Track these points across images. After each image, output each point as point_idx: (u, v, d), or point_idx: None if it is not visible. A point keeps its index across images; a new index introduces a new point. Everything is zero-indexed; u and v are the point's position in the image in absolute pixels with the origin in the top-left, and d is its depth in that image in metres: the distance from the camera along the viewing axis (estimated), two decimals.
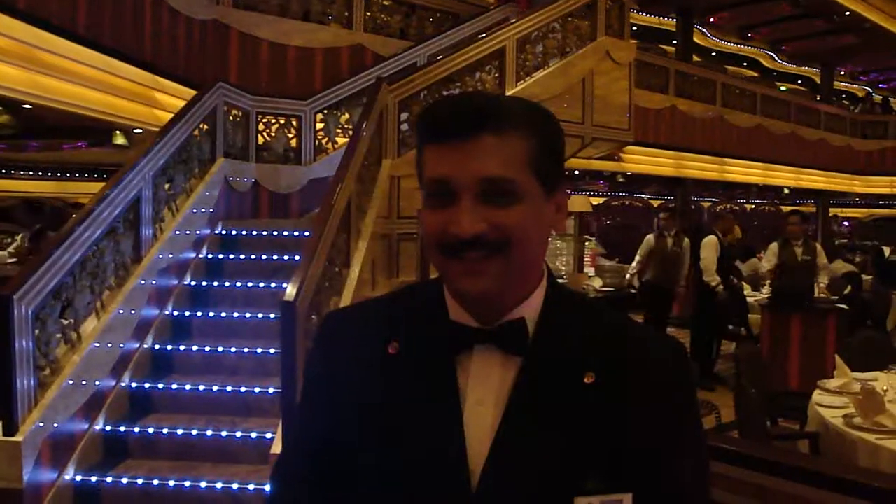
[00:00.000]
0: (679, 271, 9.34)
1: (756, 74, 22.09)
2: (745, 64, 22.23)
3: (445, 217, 1.03)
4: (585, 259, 8.65)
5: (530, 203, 1.05)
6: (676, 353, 1.16)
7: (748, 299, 9.91)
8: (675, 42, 16.35)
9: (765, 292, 9.68)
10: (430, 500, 1.05)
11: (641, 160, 13.93)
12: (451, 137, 1.03)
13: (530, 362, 1.08)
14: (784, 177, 17.65)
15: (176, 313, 5.87)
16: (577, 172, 14.43)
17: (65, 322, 4.66)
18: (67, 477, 4.50)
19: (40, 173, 14.53)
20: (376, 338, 1.14)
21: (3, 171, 14.17)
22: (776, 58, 21.97)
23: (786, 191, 19.36)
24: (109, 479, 4.58)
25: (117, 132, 8.07)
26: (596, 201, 15.28)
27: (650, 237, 9.39)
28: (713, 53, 20.82)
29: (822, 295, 8.41)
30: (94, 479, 4.58)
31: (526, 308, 1.10)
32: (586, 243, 9.00)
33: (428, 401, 1.08)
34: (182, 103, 6.69)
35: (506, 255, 1.03)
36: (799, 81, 24.23)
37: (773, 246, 9.10)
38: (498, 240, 1.02)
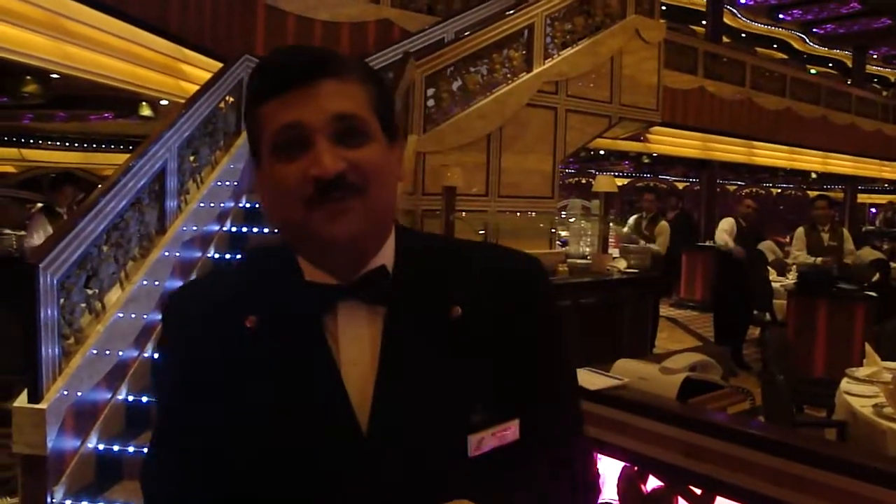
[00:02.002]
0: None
1: (786, 57, 21.74)
2: (775, 46, 21.86)
3: (302, 165, 1.00)
4: (609, 240, 8.51)
5: (380, 146, 1.05)
6: (530, 266, 1.15)
7: (773, 284, 9.78)
8: (704, 22, 16.11)
9: (790, 277, 9.55)
10: (325, 467, 1.01)
11: (668, 141, 13.79)
12: (293, 85, 1.01)
13: (394, 309, 1.06)
14: (811, 161, 17.42)
15: None
16: (602, 152, 14.31)
17: (89, 292, 4.68)
18: (90, 445, 4.53)
19: (67, 144, 14.60)
20: (230, 313, 1.08)
21: (31, 141, 14.26)
22: (807, 40, 21.58)
23: (813, 175, 19.11)
24: (131, 449, 4.61)
25: (143, 103, 8.07)
26: (620, 182, 15.14)
27: (801, 230, 8.99)
28: (742, 35, 20.49)
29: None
30: (116, 448, 4.61)
31: (382, 257, 1.09)
32: (611, 224, 8.86)
33: (301, 370, 1.04)
34: (208, 76, 6.67)
35: (364, 196, 1.01)
36: (830, 65, 23.80)
37: (800, 231, 8.96)
38: (357, 180, 1.01)
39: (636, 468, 2.35)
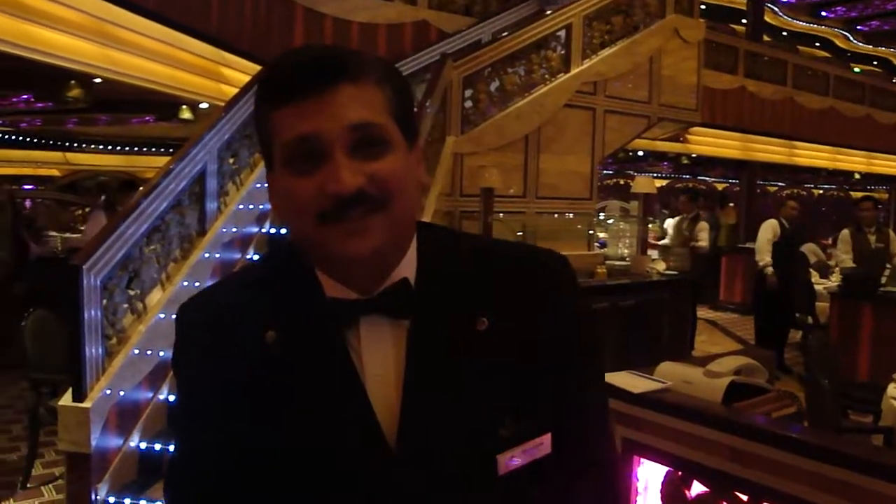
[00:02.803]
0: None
1: (829, 55, 21.39)
2: (817, 44, 21.53)
3: (318, 179, 0.94)
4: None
5: (399, 153, 0.98)
6: (555, 266, 1.10)
7: (815, 287, 9.62)
8: (744, 21, 15.91)
9: (833, 280, 9.38)
10: (352, 485, 0.98)
11: (707, 142, 13.63)
12: (307, 93, 0.94)
13: (419, 322, 1.01)
14: (855, 161, 17.10)
15: None
16: (640, 153, 14.20)
17: (131, 293, 4.74)
18: (132, 444, 4.58)
19: (110, 147, 14.85)
20: (247, 327, 1.03)
21: (76, 144, 14.52)
22: (851, 38, 21.23)
23: (856, 176, 18.77)
24: (172, 448, 4.64)
25: (184, 107, 8.18)
26: (659, 183, 15.00)
27: (846, 232, 8.82)
28: (784, 33, 20.21)
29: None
30: (157, 447, 4.65)
31: (405, 267, 1.03)
32: (649, 226, 8.79)
33: (324, 387, 0.99)
34: (247, 78, 6.73)
35: (388, 210, 0.95)
36: (875, 63, 23.39)
37: (845, 233, 8.79)
38: (378, 194, 0.94)
39: (680, 473, 2.31)
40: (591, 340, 1.14)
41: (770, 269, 8.60)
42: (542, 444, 1.01)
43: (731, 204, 14.66)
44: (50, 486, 4.94)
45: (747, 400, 2.39)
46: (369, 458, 0.98)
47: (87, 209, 12.38)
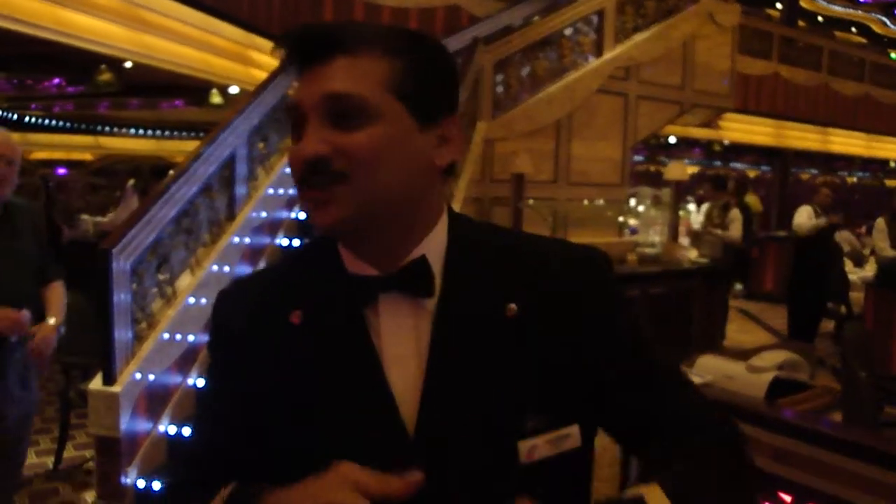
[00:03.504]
0: None
1: (865, 41, 20.99)
2: (853, 29, 21.15)
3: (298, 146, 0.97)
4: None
5: (389, 127, 0.95)
6: (594, 258, 1.07)
7: (849, 276, 9.46)
8: (779, 6, 15.64)
9: (867, 269, 9.22)
10: (370, 466, 0.94)
11: (740, 128, 13.45)
12: (306, 64, 0.98)
13: (444, 304, 1.00)
14: (890, 149, 16.82)
15: None
16: (672, 140, 14.03)
17: (161, 277, 4.74)
18: (161, 428, 4.60)
19: (141, 132, 14.94)
20: (277, 309, 1.04)
21: (107, 129, 14.62)
22: (888, 23, 20.80)
23: (892, 164, 18.44)
24: (192, 426, 4.65)
25: (213, 91, 8.17)
26: (690, 170, 14.83)
27: (881, 221, 8.61)
28: (819, 18, 19.86)
29: None
30: (186, 431, 4.67)
31: (427, 246, 1.02)
32: (681, 212, 8.68)
33: (344, 367, 0.99)
34: (277, 63, 6.69)
35: (351, 183, 0.94)
36: None
37: (880, 222, 8.62)
38: (341, 167, 0.94)
39: None
40: (631, 324, 1.08)
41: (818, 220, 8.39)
42: (570, 437, 0.99)
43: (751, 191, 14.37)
44: (81, 468, 4.98)
45: (790, 396, 2.33)
46: (387, 444, 0.96)
47: (119, 193, 12.48)
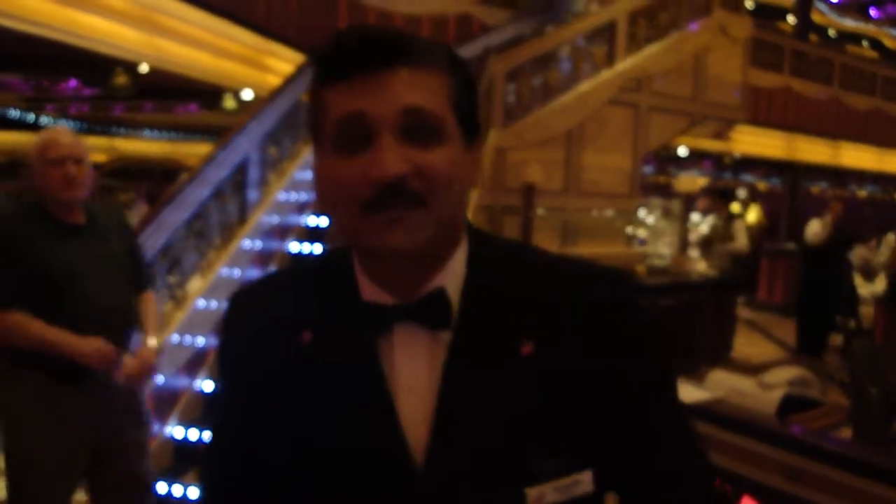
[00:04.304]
0: None
1: (876, 55, 20.95)
2: (865, 43, 21.11)
3: (361, 164, 0.88)
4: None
5: (453, 148, 0.91)
6: (618, 290, 1.01)
7: (859, 290, 9.42)
8: (791, 19, 15.63)
9: (878, 284, 9.19)
10: (375, 501, 0.94)
11: (750, 141, 13.42)
12: (362, 70, 0.89)
13: (459, 339, 0.95)
14: None
15: None
16: (681, 151, 14.03)
17: (171, 280, 4.77)
18: (169, 430, 4.61)
19: (154, 134, 15.00)
20: (288, 325, 1.00)
21: (122, 131, 14.69)
22: None
23: None
24: (207, 437, 4.66)
25: (227, 95, 8.21)
26: (700, 182, 14.81)
27: (892, 236, 8.56)
28: (830, 32, 19.85)
29: None
30: (193, 434, 4.68)
31: (446, 275, 0.97)
32: (689, 225, 8.69)
33: (353, 395, 0.95)
34: (291, 68, 6.74)
35: (430, 206, 0.89)
36: None
37: (891, 237, 8.63)
38: (420, 188, 0.88)
39: (729, 487, 2.25)
40: (661, 367, 1.03)
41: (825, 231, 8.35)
42: (582, 482, 0.94)
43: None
44: None
45: (801, 413, 2.33)
46: (393, 477, 0.93)
47: (132, 196, 12.53)
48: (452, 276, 0.97)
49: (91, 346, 2.55)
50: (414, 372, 0.96)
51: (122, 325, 2.75)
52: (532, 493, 0.92)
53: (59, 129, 2.79)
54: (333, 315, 0.99)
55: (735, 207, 9.39)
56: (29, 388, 2.58)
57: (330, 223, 6.49)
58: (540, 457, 0.93)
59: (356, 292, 0.99)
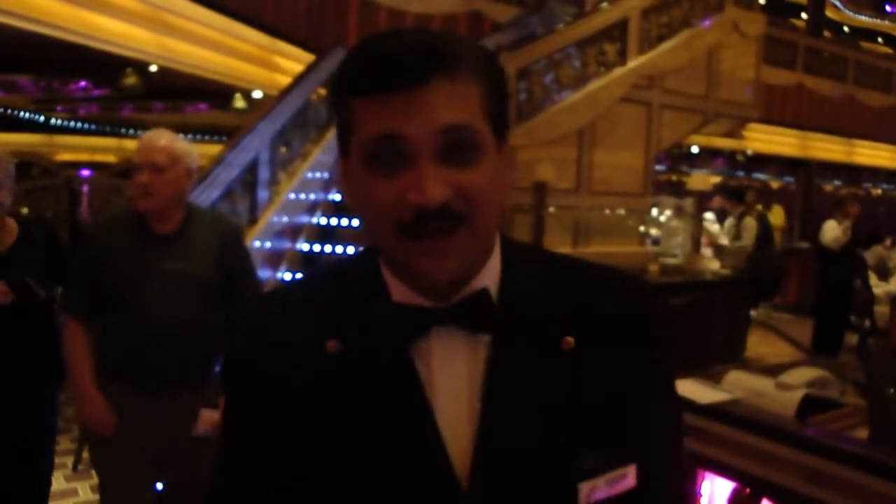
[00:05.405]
0: None
1: (891, 51, 20.80)
2: (879, 40, 20.96)
3: (398, 185, 0.83)
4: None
5: (490, 158, 0.87)
6: (647, 296, 1.01)
7: (874, 290, 9.33)
8: (804, 16, 15.53)
9: (893, 283, 9.11)
10: None
11: (764, 139, 13.35)
12: (397, 84, 0.83)
13: (500, 339, 0.91)
14: None
15: (288, 277, 5.93)
16: (694, 150, 13.96)
17: None
18: None
19: None
20: (311, 336, 0.92)
21: (131, 131, 14.73)
22: None
23: None
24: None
25: (237, 95, 8.21)
26: (713, 180, 14.75)
27: None
28: (845, 28, 19.71)
29: None
30: None
31: (485, 276, 0.93)
32: (704, 223, 8.62)
33: (389, 404, 0.89)
34: (300, 68, 6.73)
35: (471, 225, 0.86)
36: None
37: None
38: (463, 208, 0.84)
39: (748, 490, 2.21)
40: (672, 378, 1.04)
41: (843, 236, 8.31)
42: (627, 476, 0.93)
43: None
44: None
45: (820, 414, 2.28)
46: (436, 493, 0.89)
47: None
48: (490, 277, 0.94)
49: (91, 408, 2.55)
50: (454, 377, 0.91)
51: (185, 344, 2.54)
52: (584, 487, 0.90)
53: (153, 133, 2.62)
54: (362, 320, 0.93)
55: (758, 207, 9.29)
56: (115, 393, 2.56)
57: (349, 224, 6.47)
58: (589, 450, 0.91)
59: (385, 295, 0.93)
